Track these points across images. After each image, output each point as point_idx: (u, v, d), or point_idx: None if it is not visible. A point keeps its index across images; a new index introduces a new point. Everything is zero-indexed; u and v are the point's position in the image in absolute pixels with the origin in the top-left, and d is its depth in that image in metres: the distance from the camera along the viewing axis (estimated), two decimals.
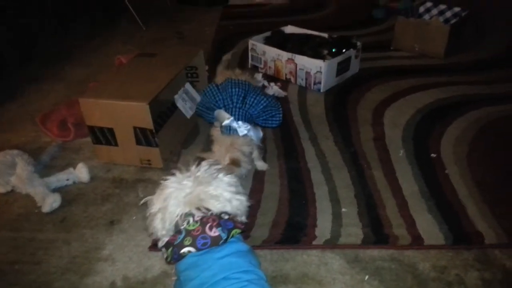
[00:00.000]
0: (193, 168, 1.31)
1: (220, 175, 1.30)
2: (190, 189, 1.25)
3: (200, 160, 1.35)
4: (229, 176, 1.32)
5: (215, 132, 1.97)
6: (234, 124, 1.87)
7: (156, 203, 1.26)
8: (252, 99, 1.93)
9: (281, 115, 1.99)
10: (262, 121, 1.99)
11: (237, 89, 1.91)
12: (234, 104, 1.92)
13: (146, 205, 1.44)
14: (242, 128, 1.88)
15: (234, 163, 1.78)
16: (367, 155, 2.11)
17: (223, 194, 1.27)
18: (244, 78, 2.05)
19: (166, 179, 1.29)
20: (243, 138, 1.86)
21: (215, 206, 1.25)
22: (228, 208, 1.27)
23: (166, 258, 1.23)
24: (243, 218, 1.33)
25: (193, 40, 3.53)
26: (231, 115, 1.90)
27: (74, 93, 2.66)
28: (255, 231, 1.69)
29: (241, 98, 1.92)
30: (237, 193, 1.30)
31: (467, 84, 2.76)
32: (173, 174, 1.30)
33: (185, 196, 1.24)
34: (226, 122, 1.88)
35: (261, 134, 2.00)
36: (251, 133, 1.90)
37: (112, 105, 1.91)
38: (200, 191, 1.25)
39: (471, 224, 1.70)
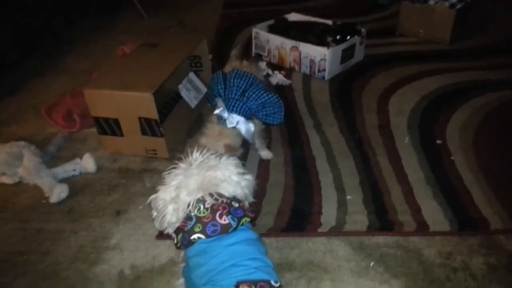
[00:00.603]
0: (194, 155, 1.32)
1: (223, 158, 1.32)
2: (198, 176, 1.26)
3: (193, 150, 1.35)
4: (231, 158, 1.34)
5: (211, 119, 1.96)
6: (225, 115, 1.87)
7: (166, 195, 1.27)
8: (251, 93, 1.92)
9: (282, 114, 1.96)
10: (263, 116, 1.98)
11: (238, 80, 1.91)
12: (233, 96, 1.92)
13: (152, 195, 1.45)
14: (231, 120, 1.87)
15: (230, 149, 1.78)
16: (372, 142, 2.11)
17: (232, 177, 1.29)
18: (250, 70, 2.05)
19: (170, 171, 1.29)
20: (231, 130, 1.86)
21: (228, 190, 1.27)
22: (238, 190, 1.29)
23: (176, 244, 1.24)
24: (251, 198, 1.35)
25: (196, 28, 3.53)
26: (227, 105, 1.90)
27: (78, 84, 2.66)
28: (260, 219, 1.70)
29: (240, 91, 1.91)
30: (244, 173, 1.32)
31: (473, 69, 2.74)
32: (176, 165, 1.31)
33: (195, 183, 1.25)
34: (217, 111, 1.88)
35: (252, 129, 1.94)
36: (241, 126, 1.89)
37: (116, 95, 1.92)
38: (210, 176, 1.26)
39: (476, 210, 1.71)
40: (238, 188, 1.30)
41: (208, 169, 1.28)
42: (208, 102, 2.14)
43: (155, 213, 1.30)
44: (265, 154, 2.05)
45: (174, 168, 1.31)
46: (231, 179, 1.29)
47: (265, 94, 1.93)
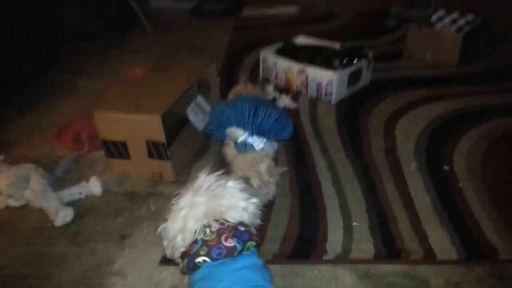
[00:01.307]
0: (200, 180, 1.31)
1: (229, 183, 1.31)
2: (204, 205, 1.26)
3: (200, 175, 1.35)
4: (237, 181, 1.33)
5: (230, 151, 1.96)
6: (250, 140, 1.87)
7: (174, 225, 1.27)
8: (264, 113, 1.93)
9: (291, 127, 1.99)
10: (274, 134, 1.98)
11: (247, 105, 1.91)
12: (247, 120, 1.92)
13: (157, 220, 1.45)
14: (258, 142, 1.87)
15: (274, 171, 1.80)
16: (379, 167, 2.09)
17: (238, 203, 1.28)
18: (255, 92, 2.06)
19: (176, 200, 1.29)
20: (261, 152, 1.86)
21: (234, 217, 1.26)
22: (245, 216, 1.28)
23: (182, 268, 1.24)
24: (258, 221, 1.34)
25: (204, 53, 3.55)
26: (244, 130, 1.90)
27: (89, 106, 2.67)
28: (265, 245, 1.68)
29: (252, 113, 1.92)
30: (250, 197, 1.31)
31: (480, 94, 2.72)
32: (181, 192, 1.30)
33: (201, 212, 1.25)
34: (241, 138, 1.88)
35: (276, 145, 2.00)
36: (267, 146, 1.90)
37: (125, 118, 1.92)
38: (216, 204, 1.26)
39: (484, 238, 1.67)
40: (244, 213, 1.30)
41: (214, 197, 1.27)
42: (209, 136, 2.12)
43: (165, 243, 1.30)
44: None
45: (180, 194, 1.30)
46: (238, 206, 1.29)
47: (275, 111, 1.94)
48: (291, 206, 1.88)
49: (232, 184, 1.32)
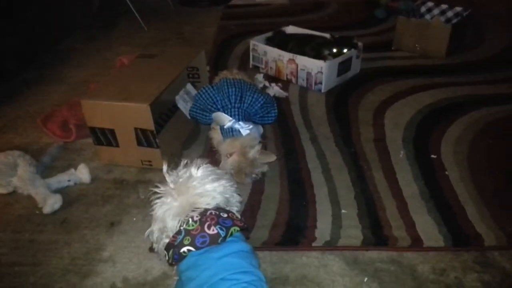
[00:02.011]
0: (167, 179, 1.35)
1: (193, 171, 1.33)
2: (177, 202, 1.28)
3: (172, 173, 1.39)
4: (201, 168, 1.34)
5: (216, 135, 1.97)
6: (236, 126, 1.87)
7: (155, 227, 1.31)
8: (250, 98, 1.94)
9: (276, 111, 2.02)
10: (259, 119, 1.99)
11: (233, 89, 1.91)
12: (233, 104, 1.92)
13: (146, 207, 1.46)
14: (245, 128, 1.88)
15: (267, 156, 1.84)
16: (368, 156, 2.10)
17: (206, 188, 1.29)
18: (241, 77, 2.06)
19: (157, 198, 1.32)
20: (248, 137, 1.86)
21: (207, 203, 1.27)
22: (218, 199, 1.29)
23: (168, 260, 1.24)
24: (234, 200, 1.37)
25: (194, 40, 3.53)
26: (230, 115, 1.90)
27: (75, 94, 2.66)
28: (255, 232, 1.68)
29: (238, 98, 1.92)
30: (217, 179, 1.32)
31: (468, 84, 2.75)
32: (160, 192, 1.33)
33: (177, 208, 1.28)
34: (228, 124, 1.88)
35: (261, 129, 2.01)
36: (254, 130, 1.91)
37: (113, 106, 1.91)
38: (187, 197, 1.28)
39: (470, 226, 1.69)
40: (216, 196, 1.31)
41: (186, 191, 1.29)
42: (194, 119, 2.13)
43: (155, 245, 1.34)
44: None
45: (160, 192, 1.34)
46: (205, 190, 1.30)
47: (262, 96, 1.96)
48: (280, 193, 1.88)
49: (195, 172, 1.33)
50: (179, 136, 2.23)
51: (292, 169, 2.03)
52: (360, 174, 1.99)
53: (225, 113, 1.91)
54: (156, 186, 1.35)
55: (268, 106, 2.01)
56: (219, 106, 1.94)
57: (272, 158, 1.87)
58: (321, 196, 1.86)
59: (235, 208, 1.41)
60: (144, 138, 1.96)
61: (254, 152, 1.81)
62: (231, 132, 1.88)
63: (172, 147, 2.14)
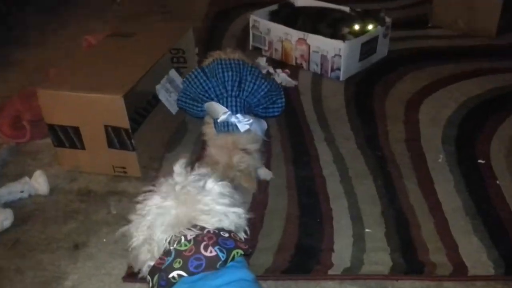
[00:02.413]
0: (175, 179, 1.31)
1: (209, 183, 1.30)
2: (175, 210, 1.26)
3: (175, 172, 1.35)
4: (220, 183, 1.32)
5: (209, 130, 1.96)
6: (233, 119, 1.87)
7: (138, 233, 1.27)
8: (251, 85, 1.93)
9: (283, 100, 2.02)
10: (262, 110, 1.99)
11: (230, 73, 1.91)
12: (229, 93, 1.91)
13: (119, 224, 1.45)
14: (244, 123, 1.87)
15: (244, 160, 1.82)
16: (398, 160, 2.10)
17: (216, 208, 1.27)
18: (237, 57, 2.04)
19: (143, 199, 1.29)
20: (247, 135, 1.86)
21: (209, 222, 1.25)
22: (225, 223, 1.27)
23: (152, 287, 1.23)
24: (242, 235, 1.33)
25: (180, 15, 3.53)
26: (226, 106, 1.90)
27: (30, 82, 2.64)
28: (256, 257, 1.68)
29: (236, 84, 1.91)
30: (233, 205, 1.30)
31: None
32: (150, 191, 1.30)
33: (172, 219, 1.25)
34: (222, 117, 1.87)
35: (265, 125, 2.00)
36: (255, 126, 1.90)
37: (77, 98, 1.91)
38: (188, 209, 1.26)
39: None
40: (224, 220, 1.29)
41: (188, 201, 1.27)
42: (183, 111, 2.12)
43: (133, 263, 1.31)
44: (264, 173, 2.04)
45: (148, 193, 1.30)
46: (214, 211, 1.28)
47: (265, 83, 1.96)
48: (288, 207, 1.88)
49: (212, 186, 1.32)
50: (160, 136, 2.23)
51: (303, 177, 2.03)
52: (388, 183, 1.98)
53: (220, 103, 1.91)
54: (155, 180, 1.33)
55: (274, 95, 2.00)
56: (212, 95, 1.93)
57: (251, 189, 1.87)
58: (339, 211, 1.86)
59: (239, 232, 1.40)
60: (116, 138, 1.95)
61: (246, 160, 1.81)
62: (226, 127, 1.87)
63: (152, 150, 2.13)
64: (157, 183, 1.32)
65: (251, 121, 1.88)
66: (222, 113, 1.88)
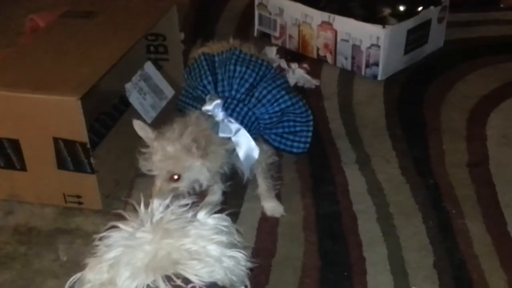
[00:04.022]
0: (151, 206, 1.30)
1: (201, 214, 1.30)
2: (151, 246, 1.24)
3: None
4: (216, 216, 1.31)
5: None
6: (220, 115, 1.84)
7: (96, 276, 1.24)
8: (264, 92, 1.91)
9: (310, 134, 1.97)
10: (276, 139, 1.95)
11: (244, 69, 1.90)
12: (233, 93, 1.91)
13: (69, 275, 1.44)
14: (227, 125, 1.84)
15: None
16: (457, 192, 2.09)
17: (208, 249, 1.26)
18: (250, 52, 2.05)
19: (106, 234, 1.27)
20: (219, 141, 1.83)
21: (199, 273, 1.22)
22: (219, 274, 1.25)
23: None
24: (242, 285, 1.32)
25: None
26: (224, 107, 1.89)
27: None
28: None
29: (246, 86, 1.91)
30: (231, 246, 1.30)
31: None
32: (117, 224, 1.29)
33: (145, 258, 1.23)
34: (206, 106, 1.84)
35: (255, 155, 1.94)
36: (240, 140, 1.86)
37: (17, 100, 1.91)
38: (169, 246, 1.24)
39: None
40: (218, 269, 1.28)
41: (167, 233, 1.26)
42: (179, 111, 2.11)
43: None
44: (272, 207, 2.03)
45: (113, 228, 1.29)
46: (206, 253, 1.27)
47: (287, 97, 1.93)
48: (304, 257, 1.86)
49: (204, 219, 1.31)
50: (129, 154, 2.19)
51: (325, 214, 2.02)
52: (443, 224, 1.97)
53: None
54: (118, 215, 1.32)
55: (297, 121, 1.96)
56: (210, 89, 1.92)
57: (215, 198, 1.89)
58: (375, 262, 1.84)
59: None
60: (70, 156, 1.95)
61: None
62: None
63: (118, 172, 2.14)
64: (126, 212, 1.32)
65: (237, 128, 1.85)
66: (210, 100, 1.85)
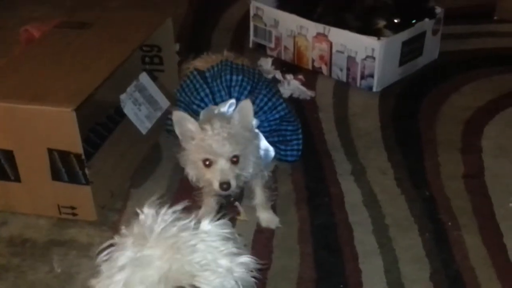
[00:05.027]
0: (147, 220, 1.29)
1: (204, 223, 1.29)
2: (161, 262, 1.23)
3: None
4: (218, 223, 1.31)
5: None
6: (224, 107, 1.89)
7: None
8: (265, 100, 1.93)
9: (300, 142, 2.01)
10: (275, 147, 1.97)
11: (240, 77, 1.92)
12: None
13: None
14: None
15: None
16: (453, 204, 2.08)
17: (219, 261, 1.26)
18: (244, 63, 2.07)
19: (110, 251, 1.27)
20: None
21: (212, 283, 1.23)
22: (229, 284, 1.26)
23: None
24: None
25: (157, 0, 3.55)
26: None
27: None
28: None
29: (245, 93, 1.93)
30: (238, 252, 1.30)
31: None
32: (113, 243, 1.28)
33: (157, 274, 1.22)
34: (221, 108, 1.88)
35: (272, 155, 1.98)
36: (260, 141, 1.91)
37: (11, 110, 1.90)
38: (181, 262, 1.23)
39: None
40: (228, 278, 1.27)
41: (178, 249, 1.25)
42: (167, 132, 2.10)
43: None
44: (268, 218, 2.03)
45: (114, 246, 1.28)
46: (217, 264, 1.27)
47: (284, 106, 1.96)
48: (300, 269, 1.86)
49: (208, 228, 1.31)
50: (125, 165, 2.22)
51: (321, 226, 2.02)
52: (440, 236, 1.96)
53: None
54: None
55: (289, 130, 2.00)
56: (208, 102, 1.94)
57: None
58: (371, 274, 1.83)
59: None
60: (64, 167, 1.94)
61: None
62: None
63: (113, 184, 2.13)
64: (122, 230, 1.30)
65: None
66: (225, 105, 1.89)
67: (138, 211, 1.32)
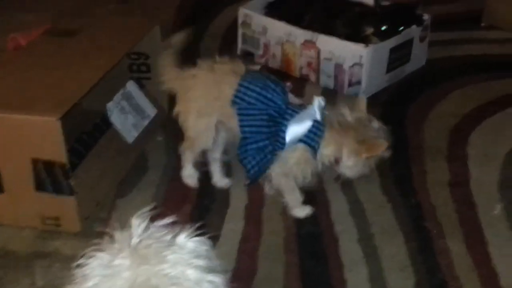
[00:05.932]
0: (131, 231, 1.28)
1: (180, 237, 1.29)
2: (129, 272, 1.22)
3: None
4: (195, 239, 1.31)
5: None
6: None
7: None
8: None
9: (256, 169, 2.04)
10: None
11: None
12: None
13: None
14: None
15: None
16: (438, 212, 2.09)
17: (187, 274, 1.25)
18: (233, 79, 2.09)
19: (84, 261, 1.25)
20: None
21: None
22: None
23: None
24: None
25: (145, 5, 3.54)
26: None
27: None
28: None
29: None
30: (209, 269, 1.28)
31: None
32: (95, 247, 1.27)
33: (124, 285, 1.21)
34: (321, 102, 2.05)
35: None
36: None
37: None
38: (148, 272, 1.22)
39: None
40: None
41: (147, 260, 1.24)
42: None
43: None
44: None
45: (89, 254, 1.27)
46: (185, 277, 1.26)
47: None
48: (285, 278, 1.85)
49: (183, 242, 1.31)
50: (110, 175, 2.21)
51: (306, 234, 2.02)
52: (425, 244, 1.96)
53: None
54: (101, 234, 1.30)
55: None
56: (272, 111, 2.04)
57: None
58: (357, 283, 1.83)
59: None
60: (49, 177, 1.93)
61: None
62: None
63: (98, 194, 2.12)
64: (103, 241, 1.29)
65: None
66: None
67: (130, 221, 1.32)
